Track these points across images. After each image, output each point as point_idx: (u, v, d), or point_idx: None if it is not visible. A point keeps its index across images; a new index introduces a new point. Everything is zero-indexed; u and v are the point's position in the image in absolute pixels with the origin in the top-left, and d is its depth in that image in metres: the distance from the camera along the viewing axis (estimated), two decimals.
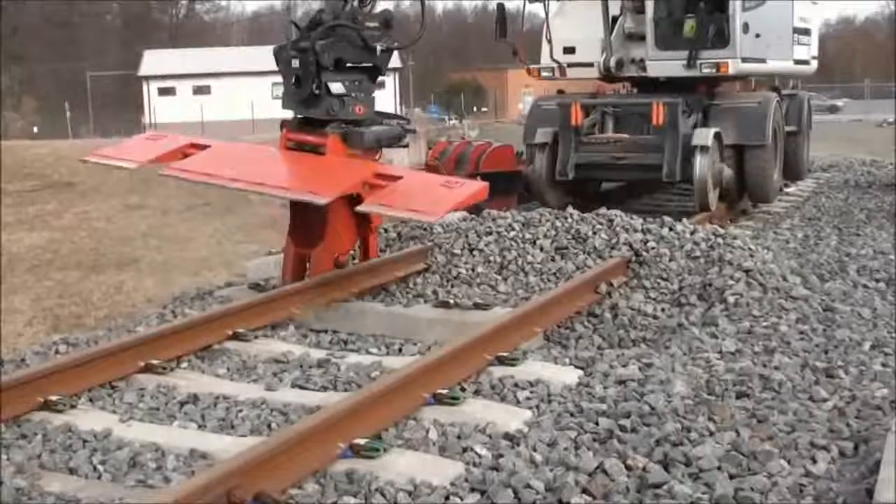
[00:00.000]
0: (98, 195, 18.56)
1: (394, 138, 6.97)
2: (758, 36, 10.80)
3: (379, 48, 6.76)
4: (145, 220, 18.03)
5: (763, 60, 11.27)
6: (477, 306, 6.31)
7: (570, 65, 11.58)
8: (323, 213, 6.36)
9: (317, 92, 6.51)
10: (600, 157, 10.85)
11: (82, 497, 3.62)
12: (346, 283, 6.67)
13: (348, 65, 6.75)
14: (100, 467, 3.94)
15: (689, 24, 10.82)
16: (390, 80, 58.72)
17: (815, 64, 13.83)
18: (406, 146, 7.26)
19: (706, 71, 10.58)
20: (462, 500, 3.47)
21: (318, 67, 6.48)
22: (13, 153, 25.90)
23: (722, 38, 10.62)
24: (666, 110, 10.31)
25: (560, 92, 12.10)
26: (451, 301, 6.46)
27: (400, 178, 6.16)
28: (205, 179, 6.25)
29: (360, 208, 5.96)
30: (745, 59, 10.65)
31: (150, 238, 16.78)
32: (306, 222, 6.59)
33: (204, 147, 6.61)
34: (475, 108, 58.30)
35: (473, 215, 8.30)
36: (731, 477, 3.51)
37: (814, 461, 3.67)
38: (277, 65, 6.69)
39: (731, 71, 10.56)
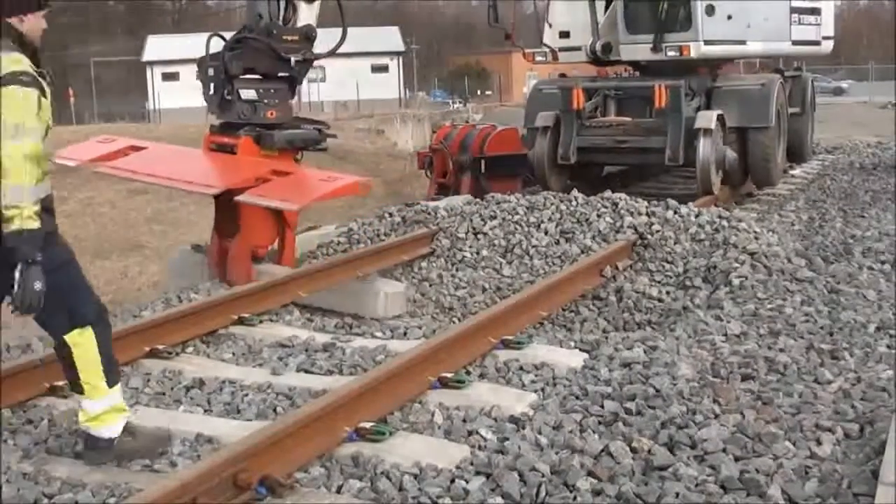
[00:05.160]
0: (102, 181, 18.51)
1: (309, 141, 7.50)
2: (729, 17, 10.70)
3: (294, 59, 7.34)
4: (149, 206, 18.04)
5: (742, 42, 11.12)
6: None
7: (562, 49, 11.56)
8: (236, 209, 6.73)
9: (228, 97, 7.15)
10: (602, 141, 10.82)
11: (88, 482, 3.63)
12: (352, 267, 6.72)
13: (264, 74, 7.34)
14: None
15: (660, 7, 10.74)
16: (394, 65, 58.62)
17: (827, 44, 13.54)
18: (324, 150, 7.75)
19: (671, 54, 10.55)
20: (467, 483, 3.47)
21: (228, 76, 7.10)
22: None
23: (688, 21, 10.55)
24: (668, 93, 10.25)
25: (562, 76, 12.06)
26: None
27: (290, 174, 6.76)
28: (129, 175, 7.15)
29: (237, 198, 6.34)
30: (710, 42, 10.54)
31: (155, 223, 16.80)
32: (225, 217, 7.01)
33: (141, 149, 7.33)
34: (479, 92, 58.11)
35: (478, 199, 8.29)
36: (737, 459, 3.51)
37: (819, 443, 3.67)
38: (198, 74, 7.24)
39: (692, 54, 10.50)
